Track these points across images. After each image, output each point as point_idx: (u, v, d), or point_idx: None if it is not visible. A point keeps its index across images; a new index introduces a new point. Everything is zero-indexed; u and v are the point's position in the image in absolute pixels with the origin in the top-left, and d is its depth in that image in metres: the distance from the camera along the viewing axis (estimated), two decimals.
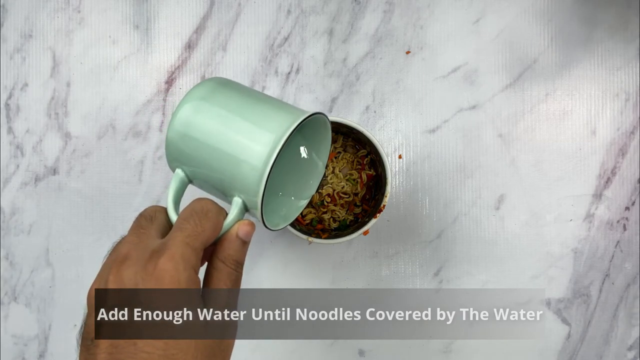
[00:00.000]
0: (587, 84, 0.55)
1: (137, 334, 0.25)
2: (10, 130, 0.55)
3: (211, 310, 0.27)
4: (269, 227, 0.32)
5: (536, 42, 0.55)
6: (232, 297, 0.29)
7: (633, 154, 0.54)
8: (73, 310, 0.55)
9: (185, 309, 0.26)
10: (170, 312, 0.25)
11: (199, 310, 0.26)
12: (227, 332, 0.28)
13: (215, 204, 0.30)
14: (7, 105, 0.55)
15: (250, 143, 0.29)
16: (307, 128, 0.34)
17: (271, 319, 0.55)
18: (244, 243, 0.30)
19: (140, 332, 0.25)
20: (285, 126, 0.29)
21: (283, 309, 0.55)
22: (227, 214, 0.30)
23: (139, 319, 0.25)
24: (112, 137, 0.55)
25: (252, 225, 0.30)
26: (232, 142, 0.29)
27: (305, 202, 0.37)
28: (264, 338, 0.55)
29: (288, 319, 0.55)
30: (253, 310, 0.55)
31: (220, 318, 0.28)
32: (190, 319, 0.26)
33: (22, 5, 0.55)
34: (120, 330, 0.25)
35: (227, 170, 0.29)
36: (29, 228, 0.55)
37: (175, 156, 0.31)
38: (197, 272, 0.27)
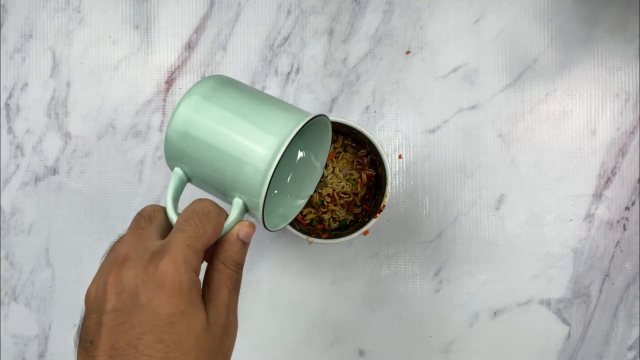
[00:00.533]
0: (587, 84, 0.55)
1: (138, 337, 0.24)
2: (10, 130, 0.55)
3: (212, 312, 0.27)
4: (268, 228, 0.32)
5: (536, 42, 0.55)
6: (232, 298, 0.29)
7: (633, 154, 0.54)
8: (73, 310, 0.55)
9: (186, 312, 0.25)
10: (172, 315, 0.25)
11: (200, 312, 0.26)
12: (228, 334, 0.28)
13: (216, 204, 0.29)
14: (7, 105, 0.55)
15: (253, 145, 0.29)
16: (307, 128, 0.34)
17: (271, 318, 0.55)
18: (244, 244, 0.30)
19: (141, 335, 0.24)
20: (289, 129, 0.29)
21: (283, 308, 0.55)
22: (227, 215, 0.30)
23: (140, 321, 0.25)
24: (112, 137, 0.55)
25: (253, 226, 0.30)
26: (234, 143, 0.29)
27: (303, 202, 0.37)
28: (264, 338, 0.55)
29: (288, 319, 0.55)
30: (254, 310, 0.55)
31: (221, 320, 0.27)
32: (192, 321, 0.26)
33: (22, 5, 0.55)
34: (120, 332, 0.25)
35: (229, 171, 0.29)
36: (29, 228, 0.55)
37: (174, 155, 0.31)
38: (198, 274, 0.27)
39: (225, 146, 0.29)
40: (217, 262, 0.29)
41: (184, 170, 0.31)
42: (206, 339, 0.26)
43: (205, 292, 0.28)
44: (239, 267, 0.29)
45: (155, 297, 0.25)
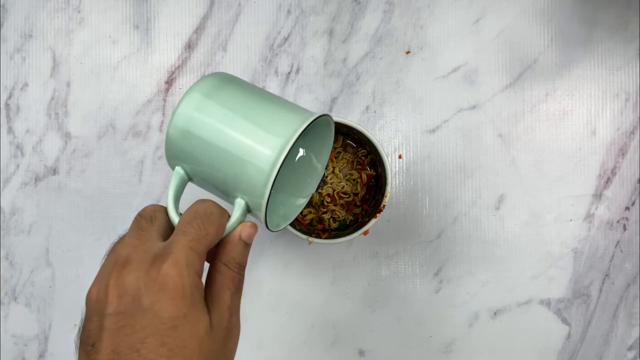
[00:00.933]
0: (587, 84, 0.55)
1: (140, 341, 0.24)
2: (10, 130, 0.55)
3: (215, 314, 0.27)
4: (270, 228, 0.32)
5: (536, 42, 0.55)
6: (235, 300, 0.28)
7: (633, 154, 0.54)
8: (73, 310, 0.55)
9: (189, 315, 0.25)
10: (174, 318, 0.25)
11: (203, 315, 0.26)
12: (230, 336, 0.28)
13: (219, 205, 0.29)
14: (7, 105, 0.55)
15: (257, 145, 0.28)
16: (310, 127, 0.34)
17: (271, 319, 0.55)
18: (247, 245, 0.29)
19: (144, 339, 0.24)
20: (293, 129, 0.28)
21: (283, 308, 0.55)
22: (229, 216, 0.30)
23: (142, 325, 0.24)
24: (112, 137, 0.55)
25: (255, 227, 0.30)
26: (237, 143, 0.28)
27: (304, 201, 0.37)
28: (264, 338, 0.55)
29: (288, 319, 0.55)
30: (254, 310, 0.55)
31: (224, 322, 0.27)
32: (194, 325, 0.25)
33: (22, 5, 0.55)
34: (122, 336, 0.24)
35: (231, 170, 0.29)
36: (29, 228, 0.55)
37: (175, 153, 0.30)
38: (200, 277, 0.27)
39: (227, 145, 0.29)
40: (219, 264, 0.29)
41: (184, 170, 0.31)
42: (209, 342, 0.26)
43: (208, 294, 0.28)
44: (241, 268, 0.29)
45: (157, 301, 0.25)
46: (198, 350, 0.25)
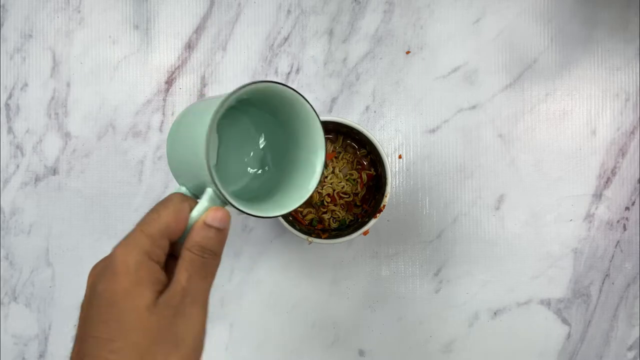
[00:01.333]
0: (587, 84, 0.55)
1: (90, 323, 0.26)
2: (10, 130, 0.55)
3: (165, 293, 0.27)
4: (238, 207, 0.31)
5: (536, 42, 0.55)
6: (194, 284, 0.28)
7: (633, 154, 0.54)
8: (73, 310, 0.55)
9: (130, 291, 0.26)
10: (115, 294, 0.26)
11: (146, 292, 0.26)
12: (180, 316, 0.27)
13: (183, 195, 0.30)
14: (7, 105, 0.55)
15: (197, 133, 0.29)
16: (290, 118, 0.34)
17: (271, 319, 0.55)
18: (218, 230, 0.29)
19: (91, 320, 0.26)
20: (220, 102, 0.29)
21: (283, 308, 0.55)
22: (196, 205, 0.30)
23: (93, 306, 0.26)
24: (112, 137, 0.55)
25: (222, 210, 0.29)
26: (189, 143, 0.30)
27: (309, 193, 0.36)
28: (264, 338, 0.55)
29: (288, 319, 0.55)
30: (253, 310, 0.55)
31: (173, 301, 0.27)
32: (134, 299, 0.26)
33: (22, 5, 0.55)
34: (82, 323, 0.26)
35: (195, 169, 0.30)
36: (29, 228, 0.55)
37: (172, 171, 0.33)
38: (151, 259, 0.27)
39: (187, 149, 0.31)
40: (182, 249, 0.29)
41: (185, 187, 0.32)
42: (150, 318, 0.26)
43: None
44: (205, 251, 0.29)
45: (104, 281, 0.26)
46: (137, 325, 0.26)
